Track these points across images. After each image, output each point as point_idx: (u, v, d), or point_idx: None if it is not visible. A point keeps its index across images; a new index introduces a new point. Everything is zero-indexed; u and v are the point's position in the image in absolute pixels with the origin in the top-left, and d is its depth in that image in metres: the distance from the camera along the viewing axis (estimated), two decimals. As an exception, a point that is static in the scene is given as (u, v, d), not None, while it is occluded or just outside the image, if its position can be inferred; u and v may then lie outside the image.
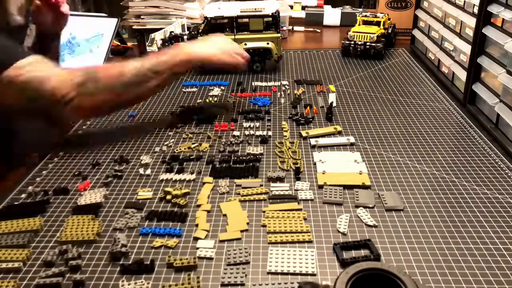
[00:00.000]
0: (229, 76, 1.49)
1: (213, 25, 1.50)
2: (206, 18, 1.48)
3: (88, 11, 2.62)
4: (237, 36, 1.48)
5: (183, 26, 1.79)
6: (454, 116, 1.19)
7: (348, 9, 2.15)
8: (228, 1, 1.78)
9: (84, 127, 1.18)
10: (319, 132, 1.10)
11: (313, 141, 1.05)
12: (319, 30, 2.09)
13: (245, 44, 1.48)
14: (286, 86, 1.40)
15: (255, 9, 1.49)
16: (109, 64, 1.05)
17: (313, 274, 0.69)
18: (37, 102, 0.94)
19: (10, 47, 0.95)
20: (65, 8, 1.16)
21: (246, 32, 1.49)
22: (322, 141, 1.05)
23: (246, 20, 1.49)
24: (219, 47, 1.16)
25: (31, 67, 0.93)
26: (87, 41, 1.79)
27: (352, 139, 1.06)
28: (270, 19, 1.49)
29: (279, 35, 1.49)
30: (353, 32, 1.64)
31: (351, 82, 1.43)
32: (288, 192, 0.88)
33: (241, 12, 1.48)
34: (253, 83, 1.42)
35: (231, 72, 1.52)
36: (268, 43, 1.48)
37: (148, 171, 0.96)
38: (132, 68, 1.03)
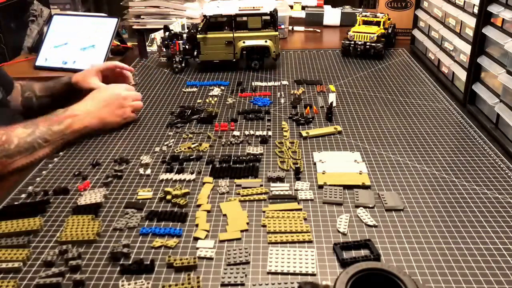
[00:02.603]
0: (229, 76, 1.50)
1: (212, 23, 1.50)
2: (205, 16, 1.48)
3: (88, 11, 2.62)
4: (235, 34, 1.49)
5: (183, 26, 1.79)
6: (454, 116, 1.19)
7: (348, 9, 2.15)
8: (227, 0, 1.79)
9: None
10: (319, 132, 1.10)
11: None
12: (319, 30, 2.09)
13: (244, 42, 1.49)
14: (286, 85, 1.40)
15: (254, 7, 1.50)
16: None
17: (313, 274, 0.69)
18: None
19: None
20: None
21: (244, 30, 1.50)
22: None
23: (244, 18, 1.50)
24: (111, 108, 1.12)
25: None
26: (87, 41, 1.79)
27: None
28: (268, 17, 1.50)
29: (277, 33, 1.50)
30: (353, 32, 1.64)
31: (351, 82, 1.43)
32: (288, 192, 0.88)
33: (239, 10, 1.49)
34: (253, 83, 1.43)
35: (231, 71, 1.52)
36: (266, 41, 1.49)
37: (148, 171, 0.96)
38: (21, 135, 0.97)
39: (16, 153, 0.96)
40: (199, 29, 1.50)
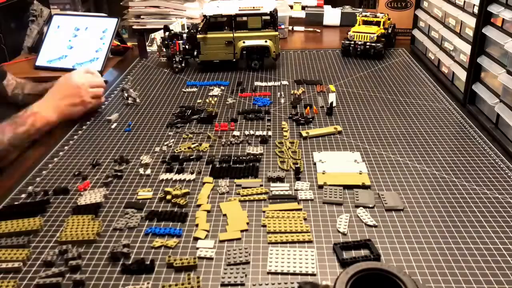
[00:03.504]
0: (229, 76, 1.50)
1: (212, 24, 1.50)
2: (205, 16, 1.48)
3: (88, 11, 2.62)
4: (235, 34, 1.49)
5: (183, 26, 1.79)
6: (454, 116, 1.19)
7: (348, 9, 2.15)
8: (227, 0, 1.79)
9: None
10: (319, 132, 1.10)
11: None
12: (319, 30, 2.09)
13: (244, 42, 1.49)
14: (286, 85, 1.40)
15: (254, 7, 1.50)
16: None
17: (313, 274, 0.69)
18: None
19: None
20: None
21: (244, 30, 1.50)
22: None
23: (244, 18, 1.50)
24: (69, 100, 1.15)
25: None
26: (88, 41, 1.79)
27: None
28: (268, 17, 1.50)
29: (277, 33, 1.50)
30: (353, 32, 1.64)
31: (351, 82, 1.43)
32: (288, 192, 0.88)
33: (239, 10, 1.49)
34: (253, 83, 1.42)
35: (231, 71, 1.52)
36: (266, 41, 1.49)
37: (148, 171, 0.96)
38: None
39: None
40: (199, 29, 1.50)
